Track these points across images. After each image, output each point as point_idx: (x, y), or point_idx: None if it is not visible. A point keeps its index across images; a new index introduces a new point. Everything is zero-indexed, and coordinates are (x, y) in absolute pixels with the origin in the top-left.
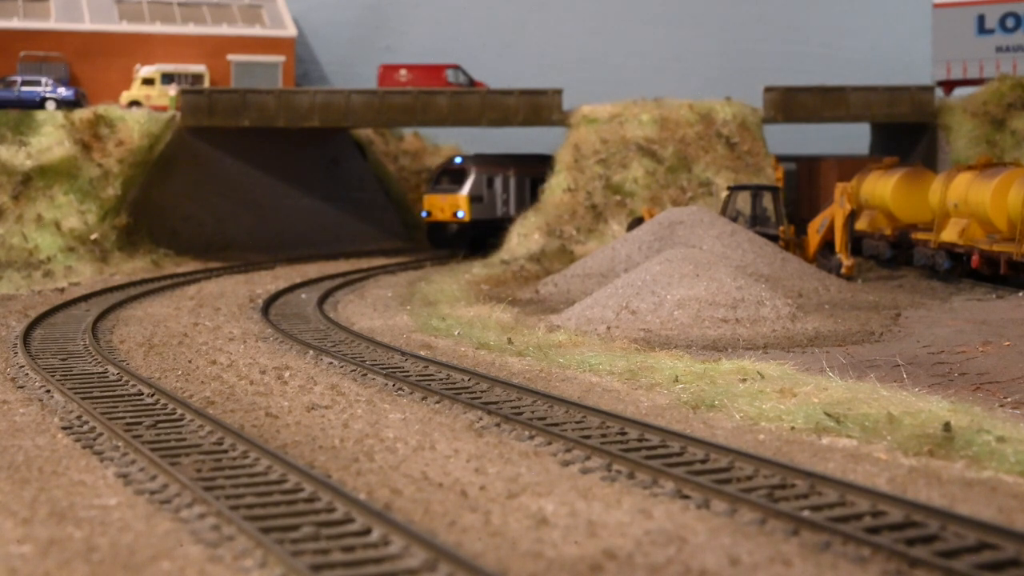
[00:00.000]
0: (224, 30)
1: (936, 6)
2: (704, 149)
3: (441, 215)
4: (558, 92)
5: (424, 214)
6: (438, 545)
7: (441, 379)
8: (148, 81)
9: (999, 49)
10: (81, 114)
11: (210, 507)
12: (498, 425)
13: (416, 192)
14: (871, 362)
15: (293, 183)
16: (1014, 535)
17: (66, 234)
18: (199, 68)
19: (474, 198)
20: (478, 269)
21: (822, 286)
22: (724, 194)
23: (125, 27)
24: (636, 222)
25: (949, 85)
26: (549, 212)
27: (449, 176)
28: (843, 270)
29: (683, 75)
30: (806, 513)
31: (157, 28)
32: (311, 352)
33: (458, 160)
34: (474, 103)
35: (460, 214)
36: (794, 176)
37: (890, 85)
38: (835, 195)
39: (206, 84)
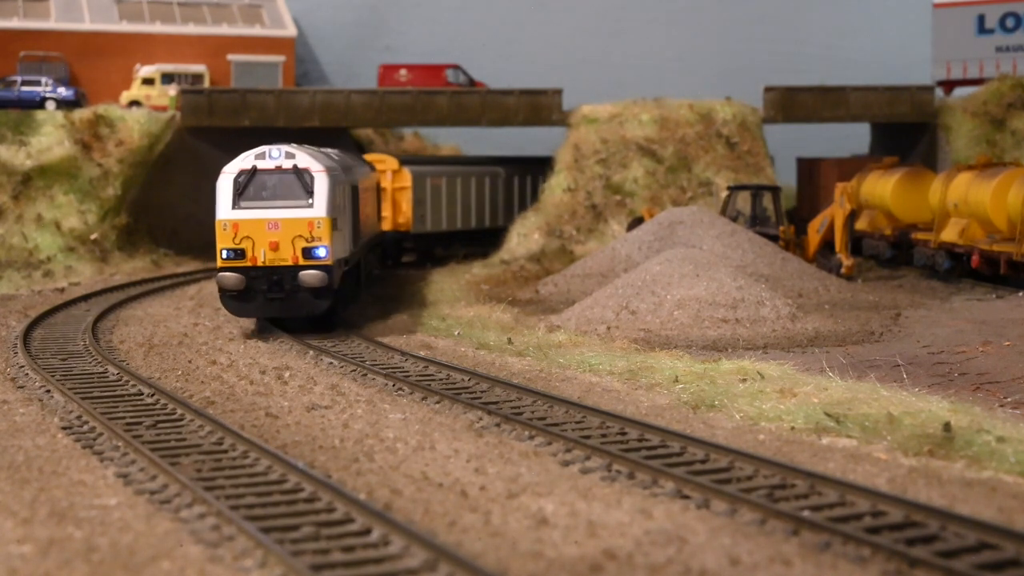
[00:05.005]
0: (224, 30)
1: (936, 6)
2: (704, 149)
3: (272, 255)
4: (558, 92)
5: (227, 254)
6: (438, 545)
7: (441, 379)
8: (148, 81)
9: (999, 49)
10: (81, 114)
11: (210, 507)
12: (498, 425)
13: None
14: (871, 362)
15: None
16: (1014, 535)
17: (66, 234)
18: (199, 68)
19: (335, 222)
20: (478, 269)
21: (822, 286)
22: (724, 194)
23: (125, 27)
24: (636, 222)
25: (949, 85)
26: (549, 212)
27: (271, 179)
28: (843, 270)
29: (683, 75)
30: (806, 513)
31: (157, 28)
32: (311, 352)
33: (279, 151)
34: (474, 103)
35: (321, 252)
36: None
37: (890, 85)
38: (835, 195)
39: (206, 84)
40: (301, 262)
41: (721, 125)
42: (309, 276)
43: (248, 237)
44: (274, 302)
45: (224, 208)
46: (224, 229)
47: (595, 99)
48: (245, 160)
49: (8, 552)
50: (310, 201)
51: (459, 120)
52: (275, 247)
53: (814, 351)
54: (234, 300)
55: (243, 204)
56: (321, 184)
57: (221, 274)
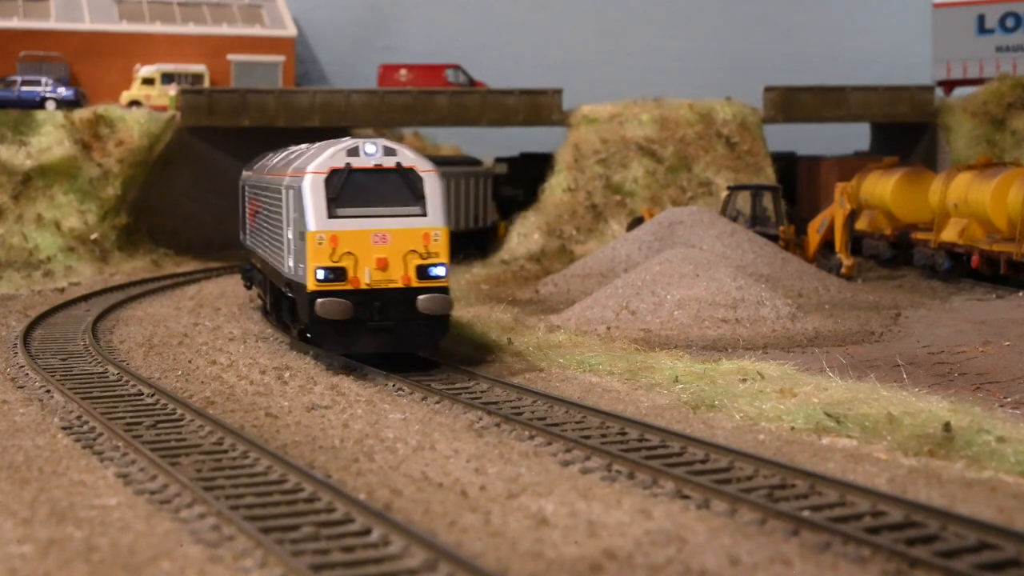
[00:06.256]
0: (224, 30)
1: (936, 6)
2: (704, 149)
3: (379, 276)
4: (558, 92)
5: (325, 274)
6: (438, 545)
7: (441, 379)
8: (148, 81)
9: (999, 49)
10: (81, 114)
11: (210, 507)
12: (498, 425)
13: None
14: (871, 362)
15: None
16: (1014, 535)
17: (66, 234)
18: (199, 68)
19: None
20: (478, 269)
21: (822, 286)
22: (724, 194)
23: (125, 27)
24: (636, 222)
25: (949, 85)
26: (549, 212)
27: (370, 180)
28: (843, 270)
29: (683, 75)
30: (806, 513)
31: (157, 28)
32: (311, 352)
33: (374, 146)
34: (474, 103)
35: (439, 271)
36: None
37: (890, 85)
38: (835, 195)
39: (206, 84)
40: (414, 283)
41: (721, 125)
42: (430, 301)
43: (349, 253)
44: (379, 334)
45: (318, 217)
46: (319, 243)
47: (595, 99)
48: (334, 157)
49: (8, 552)
50: (422, 208)
51: (459, 120)
52: (383, 265)
53: (814, 351)
54: (335, 332)
55: (340, 212)
56: (432, 187)
57: (322, 300)
